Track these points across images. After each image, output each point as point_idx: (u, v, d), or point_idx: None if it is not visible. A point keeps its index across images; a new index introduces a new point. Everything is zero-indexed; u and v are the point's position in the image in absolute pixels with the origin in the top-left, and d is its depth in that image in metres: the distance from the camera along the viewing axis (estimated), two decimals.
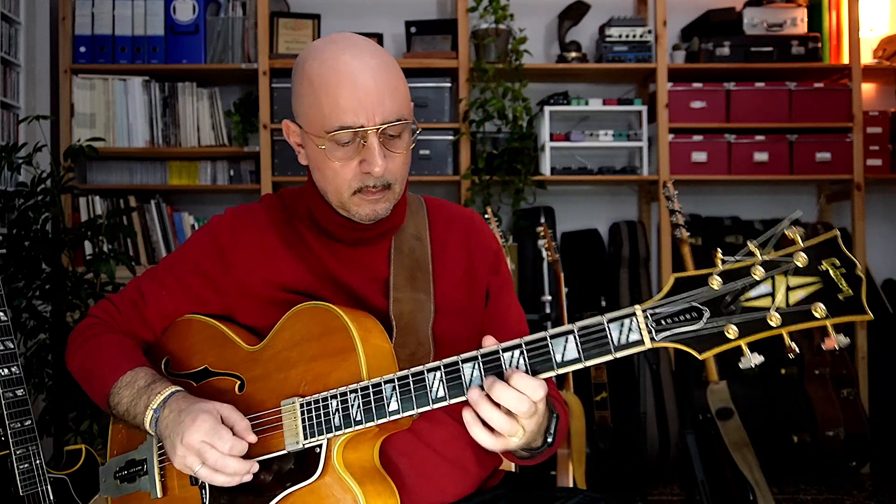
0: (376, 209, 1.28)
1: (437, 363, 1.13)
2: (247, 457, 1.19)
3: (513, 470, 1.50)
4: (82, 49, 3.61)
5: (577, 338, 1.06)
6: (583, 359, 1.06)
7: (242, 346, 1.32)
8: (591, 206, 4.01)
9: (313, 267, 1.34)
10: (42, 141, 2.96)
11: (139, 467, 1.35)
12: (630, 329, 1.04)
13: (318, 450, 1.18)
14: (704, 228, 3.83)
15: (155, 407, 1.24)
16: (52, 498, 1.97)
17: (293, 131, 1.34)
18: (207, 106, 3.68)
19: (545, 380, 1.09)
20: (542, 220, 3.65)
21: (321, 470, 1.17)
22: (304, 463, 1.19)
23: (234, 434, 1.18)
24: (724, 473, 2.66)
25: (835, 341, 0.98)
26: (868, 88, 4.00)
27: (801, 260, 0.99)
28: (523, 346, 1.09)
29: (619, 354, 1.05)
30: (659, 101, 3.67)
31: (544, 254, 3.03)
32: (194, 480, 1.28)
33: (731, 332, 1.01)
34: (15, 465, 1.92)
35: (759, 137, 3.71)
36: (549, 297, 3.21)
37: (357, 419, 1.15)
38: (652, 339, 1.04)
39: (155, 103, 3.65)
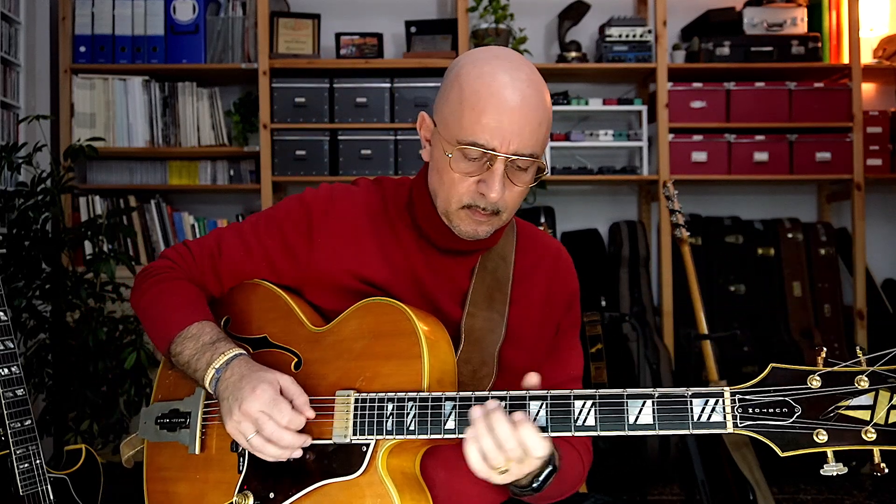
0: (478, 230, 1.27)
1: (503, 392, 1.12)
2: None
3: None
4: (82, 49, 3.61)
5: (655, 404, 1.04)
6: (657, 427, 1.03)
7: (306, 325, 1.31)
8: (591, 205, 4.01)
9: (397, 263, 1.33)
10: (42, 141, 2.95)
11: (182, 419, 1.34)
12: (714, 409, 1.02)
13: (365, 448, 1.17)
14: (704, 228, 3.83)
15: (217, 367, 1.23)
16: (52, 498, 1.96)
17: (426, 126, 1.31)
18: (207, 106, 3.68)
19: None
20: (543, 220, 3.65)
21: (363, 469, 1.16)
22: (347, 457, 1.18)
23: (293, 408, 1.18)
24: (724, 473, 2.66)
25: None
26: (868, 88, 4.00)
27: None
28: (597, 397, 1.07)
29: (696, 432, 1.02)
30: (659, 100, 3.67)
31: None
32: (234, 446, 1.28)
33: (821, 437, 0.97)
34: (15, 464, 1.92)
35: (759, 137, 3.71)
36: None
37: (410, 429, 1.14)
38: (735, 424, 1.01)
39: (155, 103, 3.65)
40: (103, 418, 2.77)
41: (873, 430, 0.96)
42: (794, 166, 3.71)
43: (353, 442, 1.18)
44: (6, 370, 1.95)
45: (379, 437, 1.16)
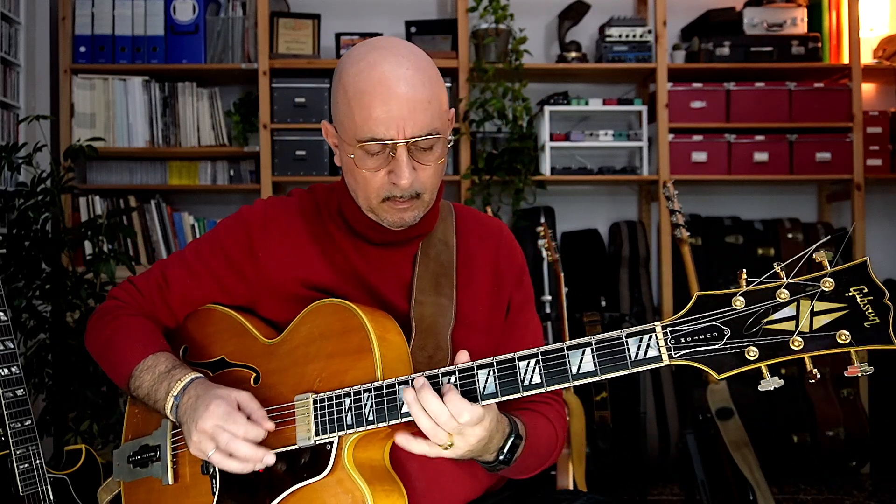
0: (404, 217, 1.29)
1: (451, 367, 1.14)
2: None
3: None
4: (82, 49, 3.61)
5: (594, 351, 1.07)
6: (598, 372, 1.06)
7: (260, 339, 1.33)
8: (591, 206, 4.01)
9: (339, 265, 1.35)
10: (42, 141, 2.95)
11: (152, 453, 1.36)
12: (648, 345, 1.04)
13: (329, 447, 1.19)
14: (704, 228, 3.83)
15: (175, 394, 1.25)
16: (52, 498, 1.96)
17: (330, 133, 1.34)
18: (207, 106, 3.68)
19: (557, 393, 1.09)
20: (542, 220, 3.65)
21: (331, 467, 1.18)
22: (315, 459, 1.20)
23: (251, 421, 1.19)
24: (724, 473, 2.66)
25: (858, 369, 0.97)
26: (868, 88, 4.00)
27: (827, 285, 0.97)
28: (539, 355, 1.09)
29: (636, 370, 1.05)
30: (659, 101, 3.67)
31: (544, 254, 3.03)
32: (205, 469, 1.29)
33: (752, 353, 1.00)
34: (15, 465, 1.92)
35: (759, 137, 3.71)
36: (550, 297, 3.21)
37: (369, 419, 1.16)
38: (670, 356, 1.04)
39: (155, 103, 3.65)
40: (103, 418, 2.77)
41: (800, 339, 0.98)
42: (794, 166, 3.71)
43: (318, 442, 1.19)
44: (6, 370, 1.95)
45: (341, 433, 1.18)
